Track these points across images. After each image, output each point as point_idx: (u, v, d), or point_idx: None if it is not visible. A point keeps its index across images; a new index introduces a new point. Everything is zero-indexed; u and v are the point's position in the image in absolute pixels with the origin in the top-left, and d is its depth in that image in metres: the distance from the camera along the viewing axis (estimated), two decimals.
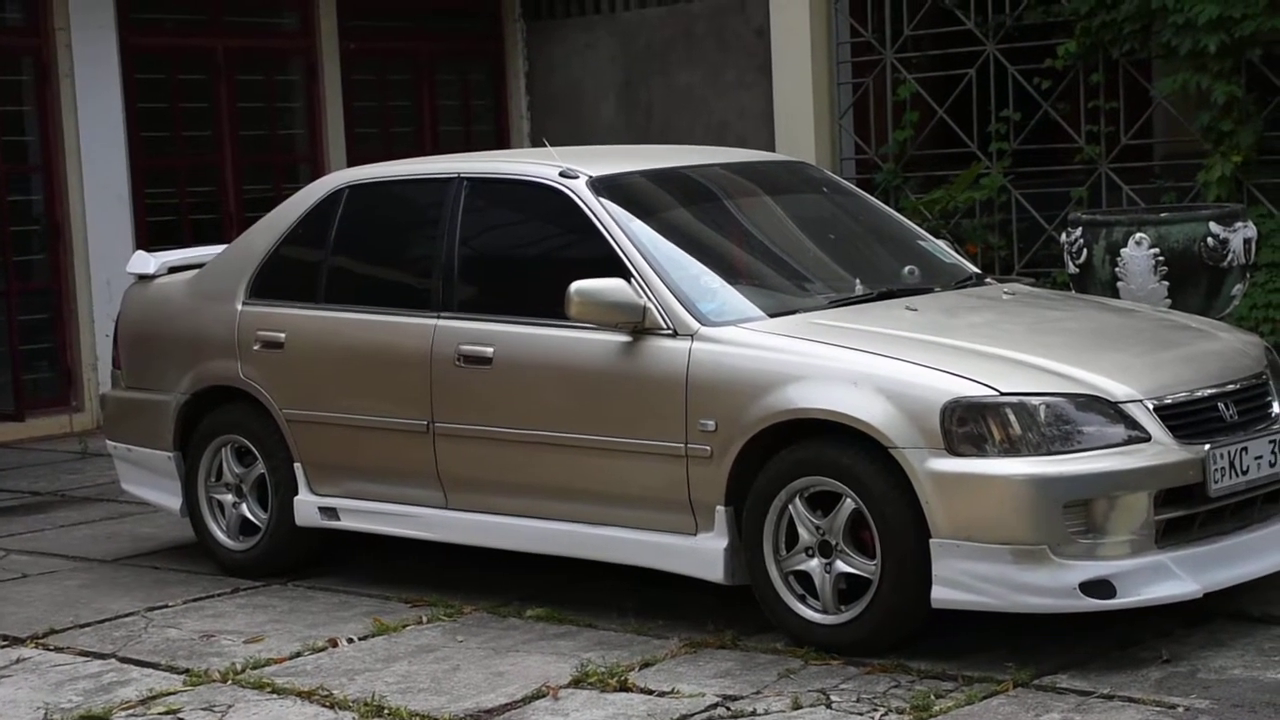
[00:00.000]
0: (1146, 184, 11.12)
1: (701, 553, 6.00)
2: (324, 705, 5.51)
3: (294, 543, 7.15)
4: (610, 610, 6.38)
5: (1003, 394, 5.48)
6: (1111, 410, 5.52)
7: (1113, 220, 9.07)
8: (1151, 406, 5.56)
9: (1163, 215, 9.01)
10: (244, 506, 7.27)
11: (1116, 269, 8.91)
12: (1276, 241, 10.21)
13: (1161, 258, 8.78)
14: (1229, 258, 8.82)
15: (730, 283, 6.32)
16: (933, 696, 5.27)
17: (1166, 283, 8.78)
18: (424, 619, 6.43)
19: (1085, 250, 9.07)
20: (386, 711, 5.40)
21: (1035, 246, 11.53)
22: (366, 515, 6.89)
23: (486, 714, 5.36)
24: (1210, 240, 8.77)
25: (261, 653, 6.10)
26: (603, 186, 6.47)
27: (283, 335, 7.04)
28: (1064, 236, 9.32)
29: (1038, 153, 11.62)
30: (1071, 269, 9.22)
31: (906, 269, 6.78)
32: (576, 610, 6.40)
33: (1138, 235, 8.83)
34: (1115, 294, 8.87)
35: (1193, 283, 8.80)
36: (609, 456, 6.17)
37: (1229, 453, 5.59)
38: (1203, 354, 6.03)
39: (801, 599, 5.82)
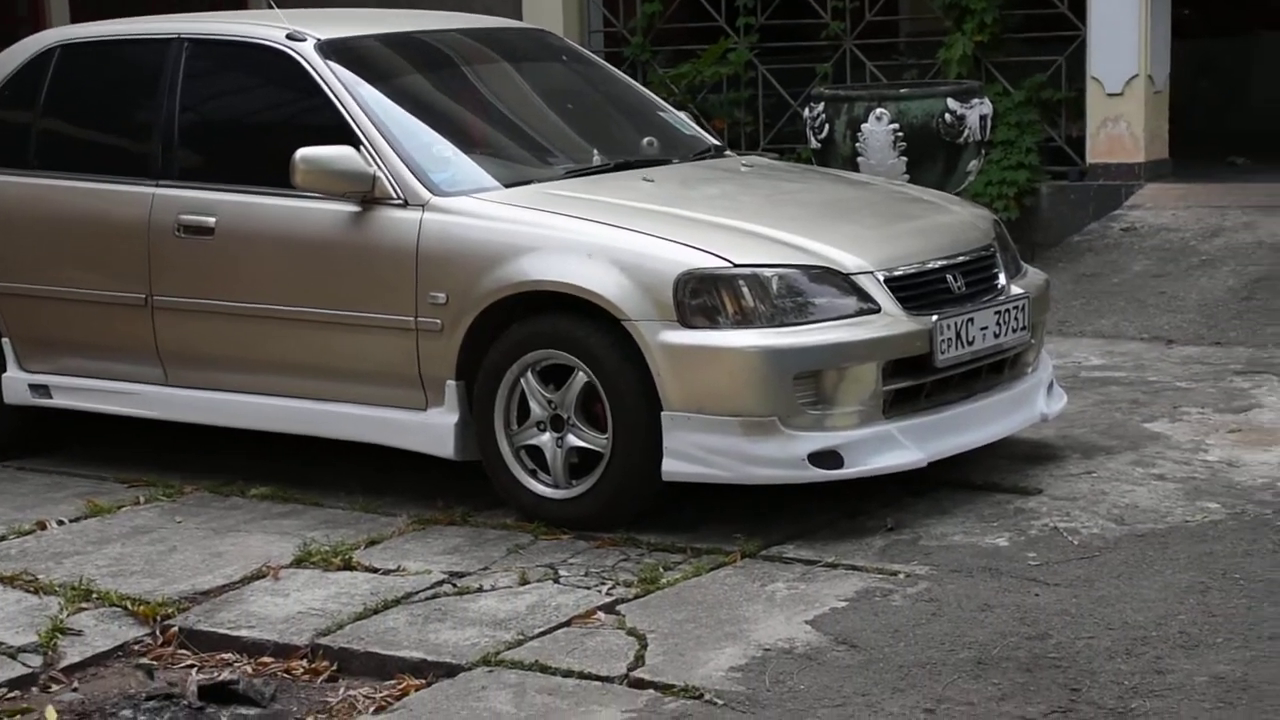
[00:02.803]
0: (890, 61, 11.24)
1: (431, 428, 5.94)
2: (28, 590, 5.35)
3: (2, 422, 6.88)
4: (338, 489, 6.31)
5: (736, 265, 5.50)
6: (843, 282, 5.58)
7: (854, 96, 9.19)
8: (882, 278, 5.63)
9: (902, 91, 9.15)
10: None
11: (857, 144, 9.04)
12: (1012, 119, 10.40)
13: (901, 133, 8.95)
14: (965, 134, 9.01)
15: (464, 152, 6.23)
16: (661, 569, 5.31)
17: (905, 158, 8.97)
18: (141, 499, 6.28)
19: (827, 126, 9.18)
20: (95, 595, 5.26)
21: (781, 122, 11.60)
22: (81, 393, 6.67)
23: (203, 595, 5.27)
24: (948, 116, 8.95)
25: None
26: (331, 50, 6.31)
27: None
28: (807, 112, 9.41)
29: (785, 28, 11.65)
30: (814, 144, 9.33)
31: (645, 140, 6.76)
32: (303, 489, 6.31)
33: (878, 111, 8.97)
34: (856, 169, 9.00)
35: (930, 158, 9.00)
36: (337, 330, 6.07)
37: (956, 324, 5.69)
38: (933, 227, 6.12)
39: (533, 474, 5.81)
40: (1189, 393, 7.23)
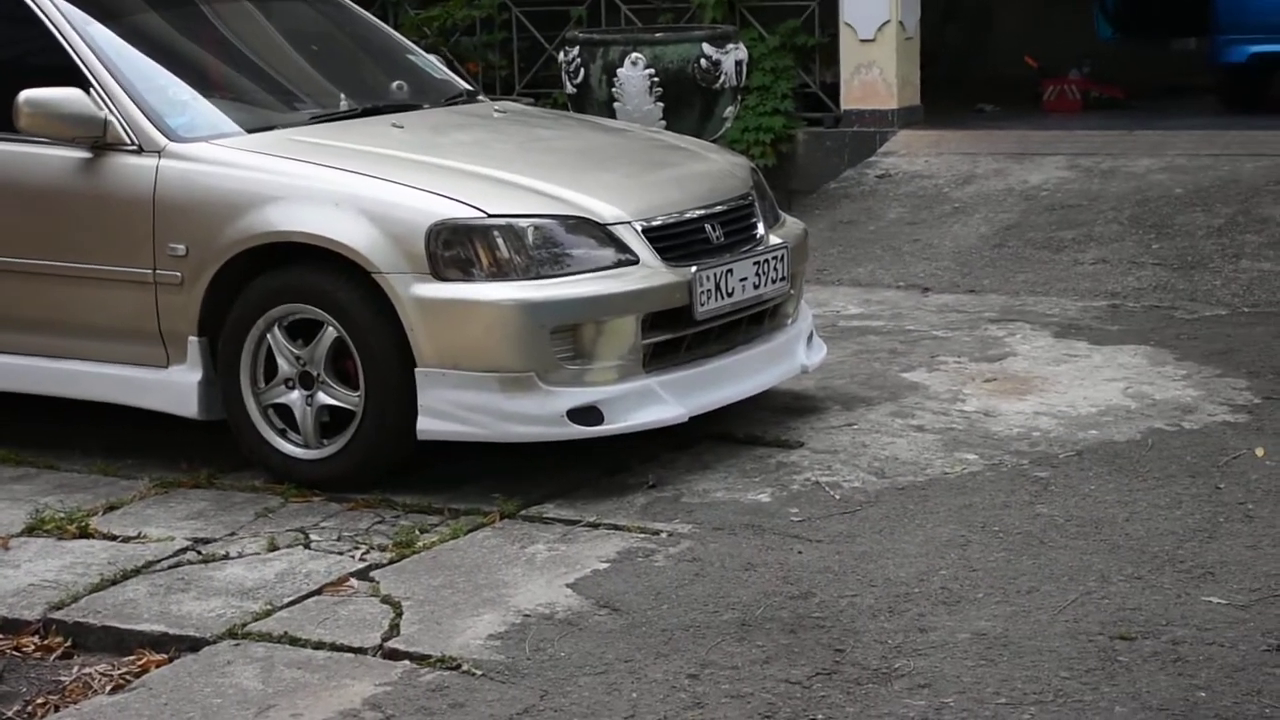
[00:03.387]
0: (645, 5, 11.13)
1: (173, 386, 5.69)
2: None
3: None
4: (75, 451, 6.01)
5: (490, 215, 5.34)
6: (600, 233, 5.45)
7: (609, 40, 9.06)
8: (640, 229, 5.51)
9: (658, 35, 9.06)
10: None
11: (613, 89, 8.93)
12: (767, 65, 10.39)
13: (657, 78, 8.86)
14: (721, 79, 8.96)
15: (204, 95, 5.98)
16: (417, 531, 5.14)
17: (662, 104, 8.90)
18: None
19: (582, 70, 9.05)
20: None
21: (536, 66, 11.43)
22: None
23: None
24: (703, 62, 8.89)
25: None
26: None
27: None
28: (562, 56, 9.25)
29: None
30: (570, 89, 9.19)
31: (395, 84, 6.57)
32: (37, 451, 6.00)
33: (633, 55, 8.87)
34: (613, 115, 8.89)
35: (687, 104, 8.94)
36: (71, 284, 5.78)
37: (715, 275, 5.61)
38: (691, 175, 6.02)
39: (282, 434, 5.60)
40: (945, 341, 7.27)
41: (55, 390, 5.93)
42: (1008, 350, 7.10)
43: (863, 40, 10.39)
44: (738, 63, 9.05)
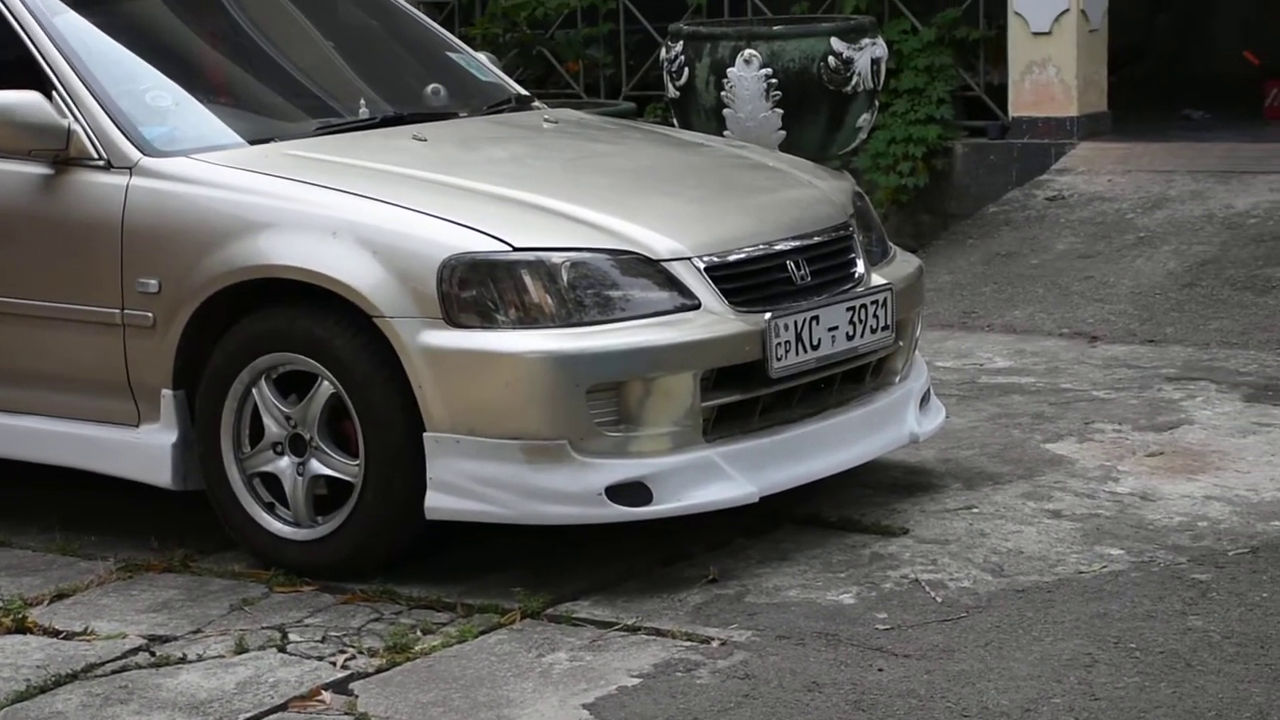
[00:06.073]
0: None
1: (144, 449, 5.62)
2: None
3: None
4: (32, 523, 5.97)
5: (516, 249, 5.18)
6: (653, 270, 5.27)
7: (718, 34, 8.91)
8: (702, 266, 5.32)
9: (775, 29, 8.89)
10: None
11: (723, 93, 8.79)
12: (920, 63, 10.17)
13: (774, 80, 8.70)
14: (854, 81, 8.77)
15: (189, 101, 5.93)
16: (418, 633, 5.00)
17: (780, 110, 8.72)
18: None
19: (687, 70, 8.91)
20: None
21: (648, 64, 11.28)
22: None
23: None
24: (831, 60, 8.71)
25: None
26: None
27: None
28: (664, 53, 9.11)
29: None
30: (672, 92, 9.06)
31: (430, 88, 6.48)
32: None
33: (747, 52, 8.72)
34: (722, 123, 8.73)
35: (811, 110, 8.77)
36: (26, 324, 5.76)
37: (796, 323, 5.39)
38: (773, 202, 5.85)
39: (270, 508, 5.50)
40: (1106, 404, 7.02)
41: (5, 451, 5.88)
42: (1183, 417, 6.83)
43: (1036, 34, 10.15)
44: (874, 61, 8.84)
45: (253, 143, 5.74)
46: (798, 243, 5.58)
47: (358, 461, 5.29)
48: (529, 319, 5.15)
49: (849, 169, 8.92)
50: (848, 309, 5.56)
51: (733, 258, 5.41)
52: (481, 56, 6.93)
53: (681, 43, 8.91)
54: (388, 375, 5.20)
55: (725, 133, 8.57)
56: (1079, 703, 4.45)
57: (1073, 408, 6.98)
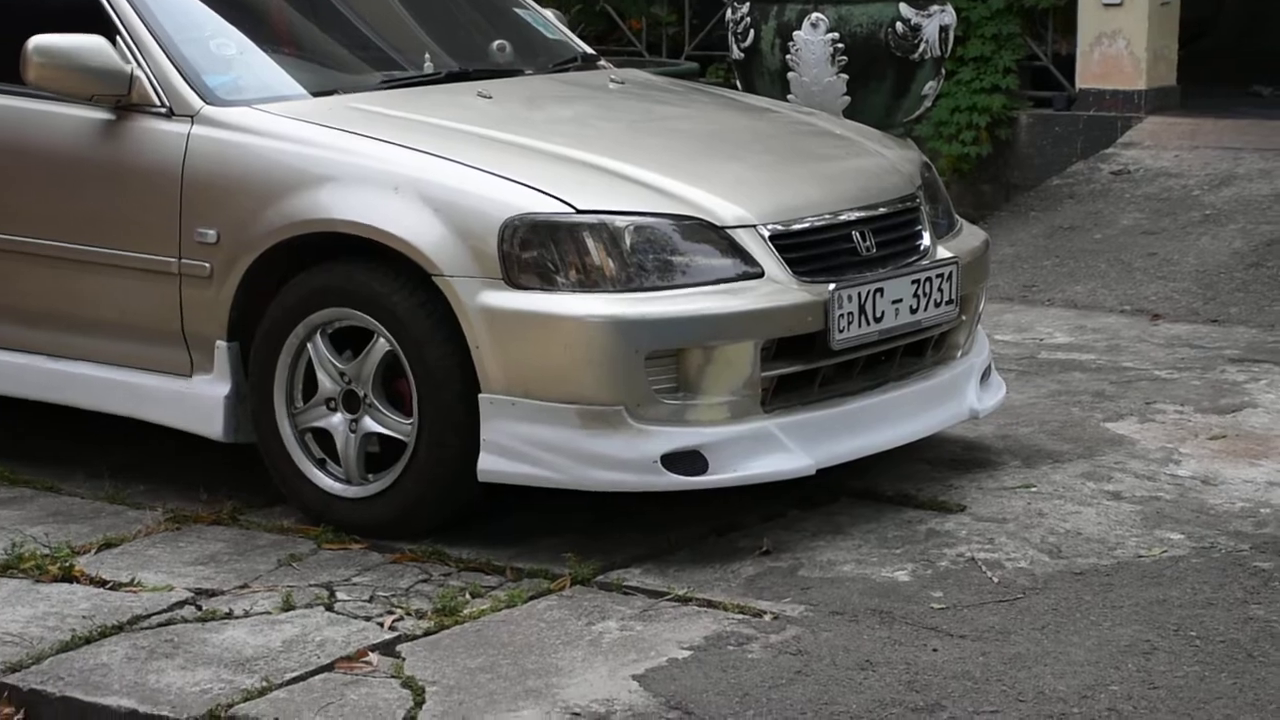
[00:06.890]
0: None
1: (196, 400, 5.58)
2: None
3: None
4: (81, 471, 5.94)
5: (580, 211, 5.12)
6: (716, 237, 5.20)
7: None
8: (767, 234, 5.25)
9: None
10: None
11: (788, 56, 8.68)
12: (988, 31, 10.06)
13: (841, 45, 8.59)
14: (921, 48, 8.66)
15: (254, 50, 5.89)
16: (467, 595, 4.95)
17: (845, 75, 8.62)
18: None
19: (752, 32, 8.80)
20: None
21: (711, 23, 11.19)
22: None
23: None
24: (899, 26, 8.60)
25: None
26: None
27: None
28: (729, 14, 9.01)
29: None
30: (736, 54, 8.95)
31: (495, 44, 6.43)
32: (36, 469, 5.94)
33: (814, 16, 8.61)
34: (786, 87, 8.62)
35: (877, 76, 8.66)
36: (82, 270, 5.72)
37: (859, 294, 5.32)
38: (841, 171, 5.79)
39: (321, 464, 5.46)
40: (1168, 384, 6.94)
41: (56, 396, 5.87)
42: (1246, 399, 6.74)
43: (1106, 4, 10.04)
44: (943, 28, 8.73)
45: (316, 94, 5.70)
46: (864, 213, 5.51)
47: (411, 420, 5.25)
48: (589, 282, 5.09)
49: (912, 136, 8.83)
50: (912, 282, 5.49)
51: (797, 227, 5.34)
52: (548, 13, 6.86)
53: (748, 4, 8.81)
54: (445, 334, 5.16)
55: (789, 97, 8.48)
56: (1137, 690, 4.38)
57: (1134, 387, 6.90)
